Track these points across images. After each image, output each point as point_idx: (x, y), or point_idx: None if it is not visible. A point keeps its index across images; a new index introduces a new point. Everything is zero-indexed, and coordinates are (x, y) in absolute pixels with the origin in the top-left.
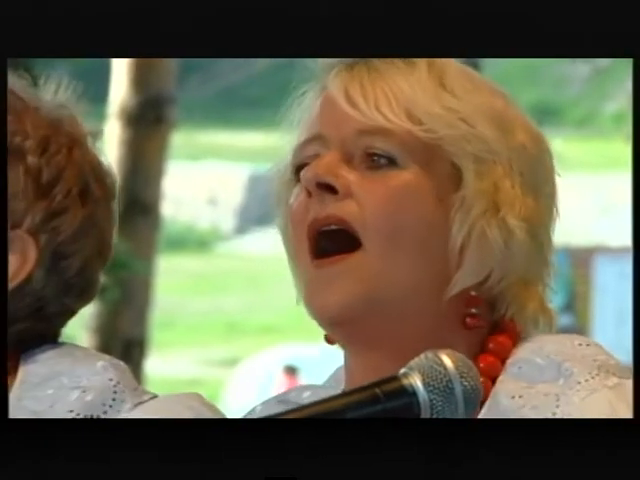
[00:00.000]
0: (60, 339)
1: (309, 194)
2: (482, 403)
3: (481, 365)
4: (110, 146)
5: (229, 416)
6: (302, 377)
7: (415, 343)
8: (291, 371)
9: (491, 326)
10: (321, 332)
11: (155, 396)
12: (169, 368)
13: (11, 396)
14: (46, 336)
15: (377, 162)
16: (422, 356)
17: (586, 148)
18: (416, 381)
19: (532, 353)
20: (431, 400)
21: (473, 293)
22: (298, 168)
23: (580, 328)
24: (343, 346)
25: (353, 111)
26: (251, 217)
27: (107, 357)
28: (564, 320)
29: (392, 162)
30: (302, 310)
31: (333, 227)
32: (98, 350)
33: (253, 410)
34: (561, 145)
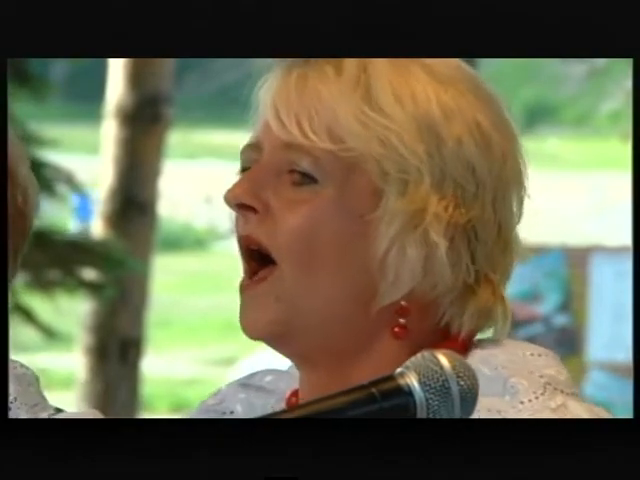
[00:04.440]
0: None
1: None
2: None
3: None
4: (107, 145)
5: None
6: None
7: (350, 356)
8: None
9: (434, 335)
10: None
11: (53, 414)
12: (166, 367)
13: None
14: None
15: (299, 179)
16: (419, 355)
17: (582, 147)
18: (412, 381)
19: (481, 362)
20: (427, 400)
21: (403, 303)
22: (242, 172)
23: (577, 327)
24: None
25: (276, 125)
26: None
27: (15, 364)
28: (561, 319)
29: (312, 180)
30: None
31: (252, 247)
32: (96, 349)
33: (218, 391)
34: (557, 144)
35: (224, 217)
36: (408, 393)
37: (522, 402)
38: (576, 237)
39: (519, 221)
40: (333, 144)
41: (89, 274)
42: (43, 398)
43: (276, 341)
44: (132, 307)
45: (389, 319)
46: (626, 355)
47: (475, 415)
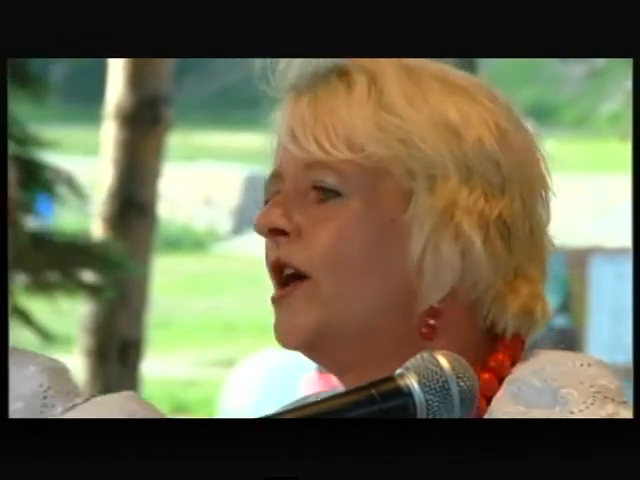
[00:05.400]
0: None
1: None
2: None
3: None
4: (106, 146)
5: (227, 416)
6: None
7: (388, 362)
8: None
9: (489, 339)
10: None
11: (88, 399)
12: (166, 369)
13: None
14: None
15: (324, 195)
16: (418, 357)
17: (582, 148)
18: (412, 382)
19: (531, 374)
20: (427, 401)
21: (435, 305)
22: (266, 203)
23: (576, 329)
24: None
25: (295, 147)
26: (248, 218)
27: (43, 359)
28: (560, 321)
29: (337, 194)
30: None
31: (285, 270)
32: (95, 351)
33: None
34: (556, 145)
35: (223, 219)
36: (408, 394)
37: (572, 412)
38: (576, 238)
39: (548, 221)
40: (354, 154)
41: (88, 276)
42: (75, 387)
43: (313, 350)
44: (131, 309)
45: (422, 321)
46: (626, 356)
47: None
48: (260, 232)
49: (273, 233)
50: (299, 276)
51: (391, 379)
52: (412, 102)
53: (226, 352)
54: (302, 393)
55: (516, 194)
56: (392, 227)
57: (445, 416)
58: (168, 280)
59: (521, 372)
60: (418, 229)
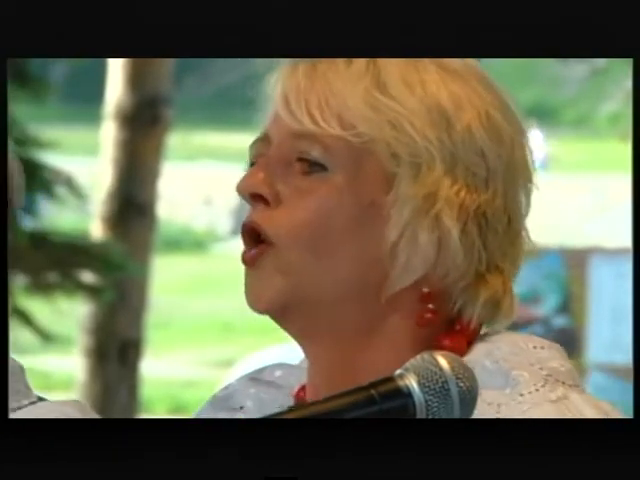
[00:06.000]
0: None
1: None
2: None
3: None
4: (106, 146)
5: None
6: None
7: (356, 337)
8: None
9: (445, 323)
10: None
11: (34, 402)
12: (165, 369)
13: None
14: None
15: (309, 167)
16: (418, 357)
17: (582, 149)
18: (412, 382)
19: (484, 355)
20: (427, 401)
21: (425, 289)
22: (251, 166)
23: (576, 329)
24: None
25: (287, 115)
26: None
27: None
28: (560, 321)
29: (322, 167)
30: None
31: (253, 233)
32: (94, 352)
33: (228, 386)
34: (557, 146)
35: (223, 219)
36: (407, 395)
37: (522, 394)
38: (575, 239)
39: (527, 213)
40: (344, 130)
41: (88, 276)
42: (27, 387)
43: (281, 314)
44: (131, 309)
45: (406, 305)
46: (625, 357)
47: (476, 408)
48: (241, 194)
49: (254, 198)
50: (260, 239)
51: (391, 379)
52: (407, 83)
53: (226, 352)
54: None
55: (499, 187)
56: (371, 208)
57: (445, 416)
58: (168, 280)
59: (475, 353)
60: (397, 214)
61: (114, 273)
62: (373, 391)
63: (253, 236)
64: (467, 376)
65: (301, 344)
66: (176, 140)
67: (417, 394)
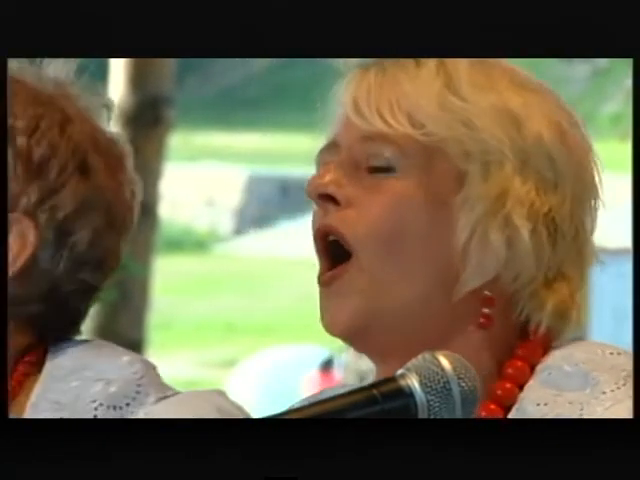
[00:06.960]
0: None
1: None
2: (509, 408)
3: (509, 371)
4: None
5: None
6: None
7: (430, 348)
8: (327, 367)
9: (520, 331)
10: (319, 333)
11: (178, 394)
12: (167, 369)
13: (36, 388)
14: (68, 320)
15: (379, 168)
16: (419, 357)
17: None
18: (413, 382)
19: (562, 360)
20: (428, 401)
21: (487, 293)
22: None
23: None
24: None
25: (357, 117)
26: (249, 218)
27: (134, 354)
28: None
29: (392, 168)
30: (300, 311)
31: (330, 237)
32: None
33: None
34: None
35: (225, 219)
36: (409, 394)
37: (604, 392)
38: None
39: (593, 229)
40: (414, 129)
41: None
42: (164, 382)
43: (357, 337)
44: (132, 309)
45: (471, 310)
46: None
47: (559, 410)
48: (310, 196)
49: (323, 198)
50: (340, 250)
51: (392, 379)
52: (479, 88)
53: (227, 352)
54: (303, 393)
55: (567, 195)
56: (442, 208)
57: (446, 416)
58: (169, 281)
59: (552, 359)
60: (468, 213)
61: (116, 273)
62: (375, 391)
63: (329, 246)
64: (469, 376)
65: (375, 362)
66: (178, 140)
67: (419, 394)
